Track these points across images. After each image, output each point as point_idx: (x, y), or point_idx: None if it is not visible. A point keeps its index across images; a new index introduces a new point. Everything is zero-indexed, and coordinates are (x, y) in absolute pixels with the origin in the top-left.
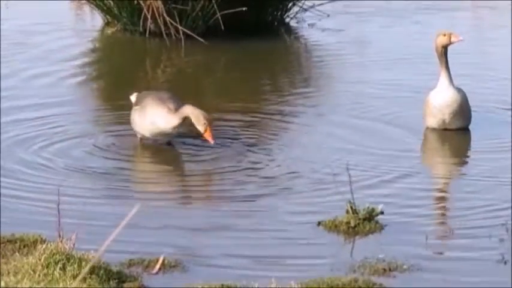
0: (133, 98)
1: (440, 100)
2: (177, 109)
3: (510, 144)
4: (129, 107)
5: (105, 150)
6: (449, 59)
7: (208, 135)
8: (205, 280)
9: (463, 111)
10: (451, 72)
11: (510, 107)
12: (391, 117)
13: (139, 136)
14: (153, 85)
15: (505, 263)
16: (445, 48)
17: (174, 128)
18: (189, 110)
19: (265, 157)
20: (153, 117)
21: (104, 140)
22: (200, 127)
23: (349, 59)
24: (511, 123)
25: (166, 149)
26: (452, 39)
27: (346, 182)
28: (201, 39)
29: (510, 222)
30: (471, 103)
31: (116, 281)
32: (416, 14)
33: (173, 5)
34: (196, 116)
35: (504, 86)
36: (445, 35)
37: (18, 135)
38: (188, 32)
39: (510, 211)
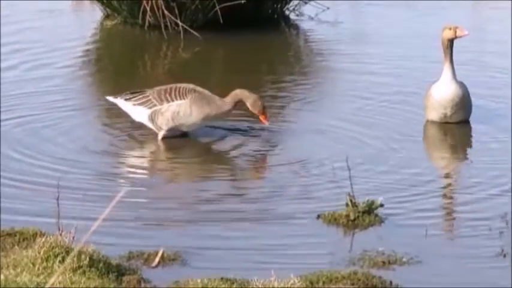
0: (123, 101)
1: (443, 94)
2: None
3: (510, 136)
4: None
5: (104, 143)
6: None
7: (264, 118)
8: (204, 273)
9: (465, 105)
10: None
11: (510, 98)
12: (391, 109)
13: (164, 132)
14: (153, 77)
15: (505, 256)
16: (450, 41)
17: (227, 112)
18: (243, 94)
19: (264, 149)
20: (209, 105)
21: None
22: (256, 110)
23: (348, 51)
24: (511, 115)
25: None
26: (458, 33)
27: (346, 174)
28: (197, 34)
29: (510, 215)
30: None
31: (116, 274)
32: (416, 1)
33: None
34: (253, 100)
35: (503, 77)
36: (450, 28)
37: (16, 125)
38: (186, 27)
39: (510, 204)
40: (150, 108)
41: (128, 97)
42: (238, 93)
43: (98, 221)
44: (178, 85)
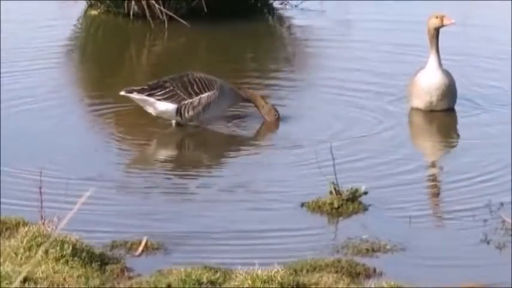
0: (145, 96)
1: (429, 82)
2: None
3: (498, 124)
4: (117, 88)
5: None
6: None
7: (275, 126)
8: (187, 262)
9: (451, 93)
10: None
11: (495, 86)
12: (376, 96)
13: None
14: (137, 67)
15: (488, 243)
16: (437, 30)
17: (237, 103)
18: (259, 102)
19: (248, 136)
20: (231, 95)
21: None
22: (270, 118)
23: (332, 40)
24: (511, 103)
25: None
26: (445, 21)
27: (330, 162)
28: (184, 22)
29: (511, 201)
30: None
31: (99, 263)
32: None
33: None
34: (268, 109)
35: (488, 64)
36: (437, 17)
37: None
38: (171, 14)
39: (494, 192)
40: (178, 102)
41: (150, 92)
42: (256, 97)
43: (68, 216)
44: (196, 74)
